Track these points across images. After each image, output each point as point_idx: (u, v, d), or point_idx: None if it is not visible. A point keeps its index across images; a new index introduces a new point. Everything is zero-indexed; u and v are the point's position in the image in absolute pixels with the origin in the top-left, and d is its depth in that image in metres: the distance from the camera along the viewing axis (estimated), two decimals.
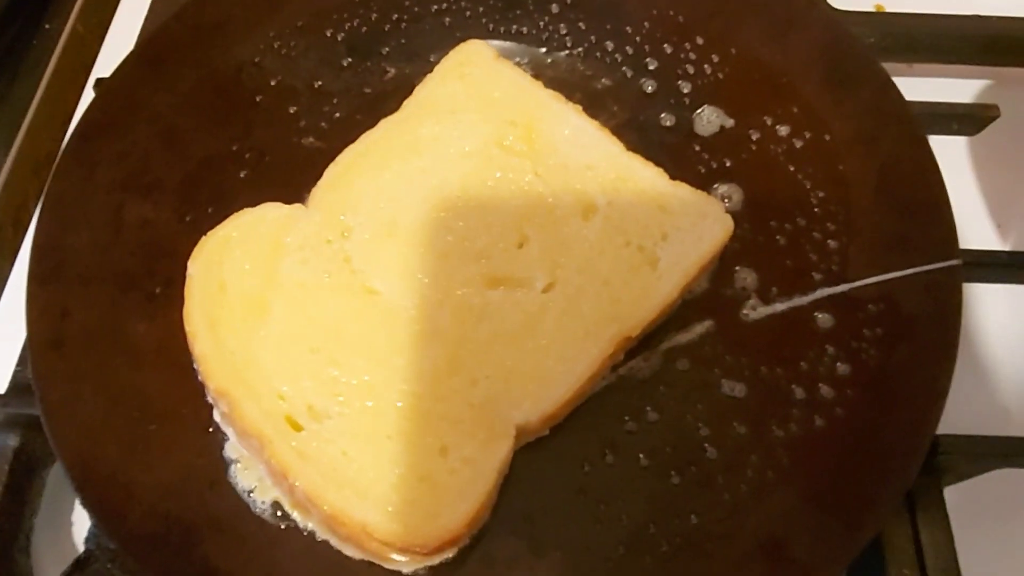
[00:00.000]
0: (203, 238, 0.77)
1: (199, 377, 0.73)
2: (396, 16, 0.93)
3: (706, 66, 0.90)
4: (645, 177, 0.82)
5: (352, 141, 0.84)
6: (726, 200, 0.84)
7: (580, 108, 0.86)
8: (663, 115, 0.89)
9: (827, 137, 0.84)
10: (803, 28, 0.86)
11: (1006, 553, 0.77)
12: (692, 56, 0.90)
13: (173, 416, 0.72)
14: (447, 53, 0.88)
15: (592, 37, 0.93)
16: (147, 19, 1.00)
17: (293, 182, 0.83)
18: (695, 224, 0.79)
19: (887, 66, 0.84)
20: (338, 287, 0.76)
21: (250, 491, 0.70)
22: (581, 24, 0.93)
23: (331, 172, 0.82)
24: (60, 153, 0.81)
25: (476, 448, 0.69)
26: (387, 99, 0.88)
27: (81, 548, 0.74)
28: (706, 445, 0.73)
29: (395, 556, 0.67)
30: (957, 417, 0.70)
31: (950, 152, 0.94)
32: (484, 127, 0.84)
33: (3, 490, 0.74)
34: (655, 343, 0.78)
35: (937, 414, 0.68)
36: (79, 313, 0.74)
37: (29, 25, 1.03)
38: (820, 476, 0.70)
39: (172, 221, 0.81)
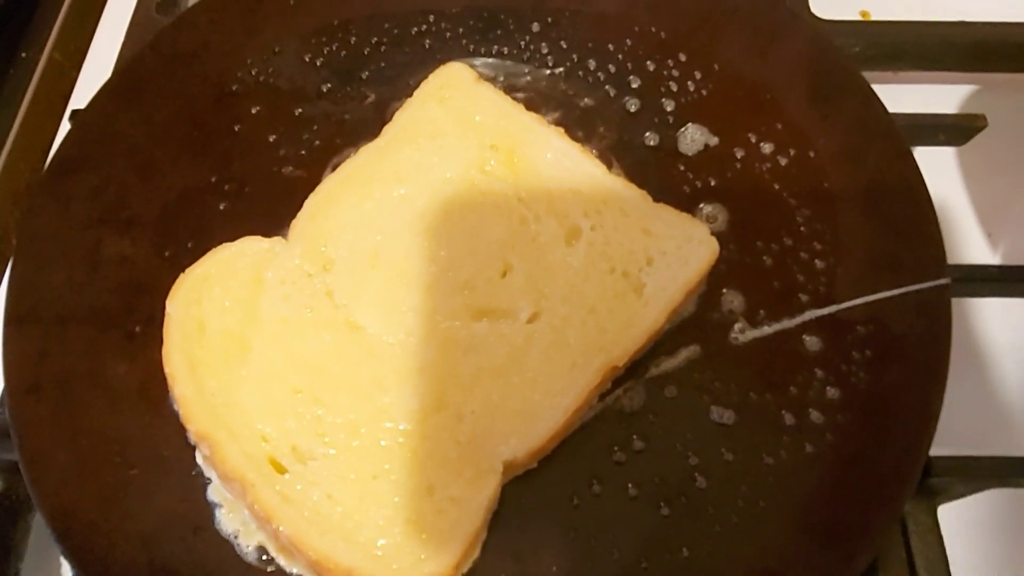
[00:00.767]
0: (181, 276, 0.76)
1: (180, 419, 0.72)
2: (376, 39, 0.92)
3: (689, 83, 0.89)
4: (629, 200, 0.81)
5: (333, 168, 0.82)
6: (711, 221, 0.83)
7: (562, 130, 0.85)
8: (647, 134, 0.88)
9: (812, 154, 0.83)
10: (786, 40, 0.86)
11: (1000, 573, 0.76)
12: (675, 73, 0.90)
13: (155, 460, 0.71)
14: (427, 76, 0.87)
15: (574, 56, 0.92)
16: (124, 46, 0.99)
17: (274, 213, 0.82)
18: (680, 247, 0.78)
19: (873, 75, 0.83)
20: (320, 322, 0.75)
21: (235, 535, 0.69)
22: (562, 43, 0.92)
23: (312, 202, 0.81)
24: (32, 189, 0.79)
25: (463, 486, 0.68)
26: (367, 125, 0.87)
27: None
28: (696, 474, 0.72)
29: None
30: (949, 435, 0.70)
31: (938, 162, 0.94)
32: (466, 152, 0.83)
33: None
34: (642, 371, 0.77)
35: (929, 438, 0.68)
36: (57, 355, 0.73)
37: (5, 53, 1.01)
38: (812, 505, 0.69)
39: (151, 256, 0.80)
